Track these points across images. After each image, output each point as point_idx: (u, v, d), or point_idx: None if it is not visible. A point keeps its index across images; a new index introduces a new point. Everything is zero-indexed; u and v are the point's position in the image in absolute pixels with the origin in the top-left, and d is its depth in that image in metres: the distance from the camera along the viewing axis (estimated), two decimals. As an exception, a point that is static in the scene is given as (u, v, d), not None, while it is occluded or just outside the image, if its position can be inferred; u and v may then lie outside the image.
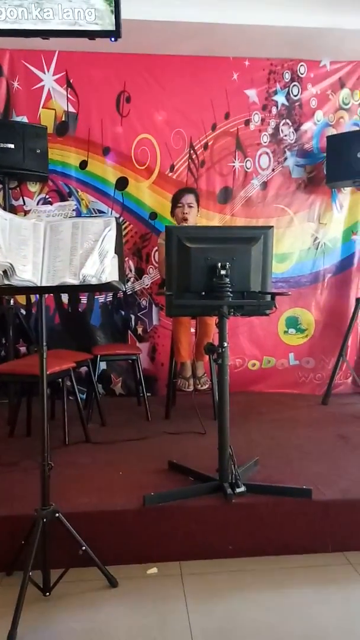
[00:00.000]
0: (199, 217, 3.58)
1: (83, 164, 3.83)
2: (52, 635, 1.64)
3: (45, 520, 1.75)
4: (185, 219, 3.37)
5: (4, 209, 3.03)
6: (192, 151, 3.92)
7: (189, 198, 3.40)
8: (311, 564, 2.01)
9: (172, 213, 3.50)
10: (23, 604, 1.61)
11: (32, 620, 1.66)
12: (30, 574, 1.66)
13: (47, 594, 1.77)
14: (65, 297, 3.87)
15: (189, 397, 3.08)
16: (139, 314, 3.97)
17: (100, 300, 3.92)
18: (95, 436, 2.91)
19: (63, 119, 3.78)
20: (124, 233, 3.84)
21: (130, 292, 3.95)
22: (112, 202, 3.88)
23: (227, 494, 2.06)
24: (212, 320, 3.04)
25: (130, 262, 3.93)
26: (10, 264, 1.58)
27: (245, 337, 3.98)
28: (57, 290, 1.68)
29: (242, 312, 2.24)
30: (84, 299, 3.90)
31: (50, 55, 3.70)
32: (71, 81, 3.75)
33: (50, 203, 3.73)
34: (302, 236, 4.05)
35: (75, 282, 1.63)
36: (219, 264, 2.13)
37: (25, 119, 3.69)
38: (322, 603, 1.79)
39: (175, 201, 3.44)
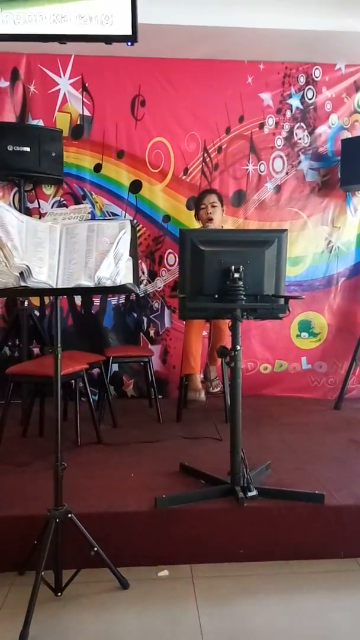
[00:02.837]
0: (223, 219, 3.57)
1: (97, 167, 3.85)
2: (63, 635, 1.65)
3: (57, 520, 1.76)
4: (211, 219, 3.38)
5: (20, 211, 3.05)
6: (206, 154, 3.93)
7: (212, 198, 3.42)
8: (323, 569, 2.00)
9: (197, 216, 3.51)
10: (35, 604, 1.62)
11: (44, 620, 1.67)
12: (43, 574, 1.67)
13: (59, 594, 1.78)
14: (78, 299, 3.89)
15: (202, 404, 3.07)
16: (151, 317, 3.98)
17: (112, 303, 3.94)
18: (107, 437, 2.92)
19: (78, 122, 3.81)
20: (137, 236, 3.86)
21: (143, 294, 3.96)
22: (125, 205, 3.90)
23: (238, 497, 2.06)
24: (225, 325, 3.03)
25: (143, 265, 3.94)
26: (27, 266, 1.60)
27: (258, 340, 3.97)
28: (73, 292, 1.70)
29: (255, 315, 2.24)
30: (96, 301, 3.92)
31: (67, 60, 3.74)
32: (87, 85, 3.78)
33: (65, 206, 3.76)
34: (316, 240, 4.03)
35: (91, 284, 1.64)
36: (233, 267, 2.13)
37: (41, 123, 3.72)
38: (334, 609, 1.78)
39: (198, 203, 3.45)
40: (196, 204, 3.50)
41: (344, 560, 2.05)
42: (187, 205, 3.91)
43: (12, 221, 1.67)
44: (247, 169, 3.96)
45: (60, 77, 3.76)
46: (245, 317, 2.19)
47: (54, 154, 3.41)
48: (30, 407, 3.05)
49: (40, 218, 3.35)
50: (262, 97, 3.93)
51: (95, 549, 1.81)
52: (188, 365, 3.21)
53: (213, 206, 3.40)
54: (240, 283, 2.13)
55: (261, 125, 3.95)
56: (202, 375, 3.36)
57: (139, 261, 3.87)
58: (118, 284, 1.67)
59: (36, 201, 3.81)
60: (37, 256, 1.65)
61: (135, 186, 3.89)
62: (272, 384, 4.00)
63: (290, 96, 3.95)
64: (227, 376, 3.17)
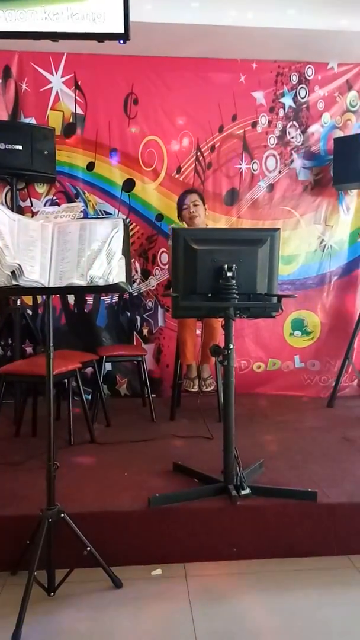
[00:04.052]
0: (207, 216, 3.58)
1: (90, 166, 3.84)
2: (56, 635, 1.65)
3: (50, 520, 1.75)
4: (193, 218, 3.38)
5: (12, 210, 3.04)
6: (198, 153, 3.92)
7: (193, 197, 3.43)
8: (316, 566, 2.00)
9: (180, 217, 3.51)
10: (28, 604, 1.61)
11: (37, 620, 1.66)
12: (35, 573, 1.67)
13: (52, 594, 1.78)
14: (71, 298, 3.88)
15: (194, 399, 3.08)
16: (144, 315, 3.98)
17: (106, 302, 3.93)
18: (101, 437, 2.91)
19: (71, 120, 3.79)
20: (130, 234, 3.85)
21: (136, 293, 3.95)
22: (118, 203, 3.89)
23: (232, 496, 2.06)
24: (218, 323, 3.04)
25: (136, 264, 3.94)
26: (19, 265, 1.59)
27: (251, 339, 3.98)
28: (65, 291, 1.69)
29: (248, 314, 2.24)
30: (90, 300, 3.91)
31: (59, 57, 3.72)
32: (79, 83, 3.77)
33: (58, 204, 3.75)
34: (309, 238, 4.04)
35: (83, 283, 1.64)
36: (226, 266, 2.13)
37: (33, 121, 3.70)
38: (327, 606, 1.79)
39: (180, 204, 3.47)
40: (178, 205, 3.51)
41: (337, 557, 2.06)
42: (180, 204, 3.91)
43: (4, 220, 1.66)
44: (240, 168, 3.97)
45: (52, 75, 3.74)
46: (238, 315, 2.19)
47: (46, 152, 3.39)
48: (23, 407, 3.04)
49: (32, 217, 3.34)
50: (255, 96, 3.93)
51: (88, 548, 1.80)
52: (184, 357, 3.27)
53: (195, 205, 3.41)
54: (233, 282, 2.13)
55: (254, 124, 3.95)
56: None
57: (132, 260, 3.87)
58: (111, 283, 1.67)
59: (28, 200, 3.80)
60: (29, 255, 1.65)
61: (129, 185, 3.88)
62: (266, 382, 4.01)
63: (283, 95, 3.95)
64: (220, 375, 3.18)
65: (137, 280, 3.94)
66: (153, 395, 3.50)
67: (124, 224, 1.73)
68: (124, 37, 2.55)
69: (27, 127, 3.50)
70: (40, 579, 1.72)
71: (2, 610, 1.73)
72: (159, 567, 1.98)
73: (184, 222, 3.52)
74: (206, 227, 3.53)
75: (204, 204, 3.49)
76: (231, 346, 2.15)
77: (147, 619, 1.72)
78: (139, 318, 3.97)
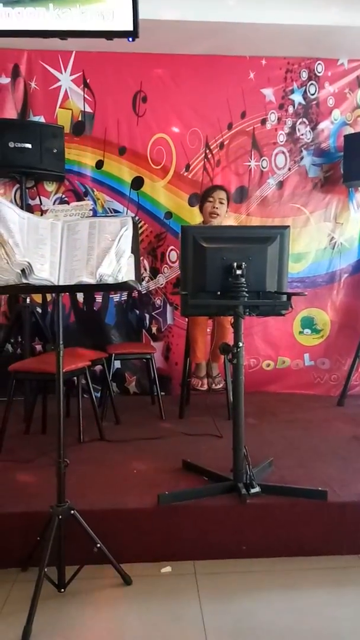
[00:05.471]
0: (226, 217, 3.55)
1: (99, 164, 3.85)
2: (66, 632, 1.65)
3: (60, 517, 1.76)
4: (216, 214, 3.34)
5: (21, 208, 3.05)
6: (207, 150, 3.91)
7: (221, 194, 3.39)
8: (325, 566, 1.99)
9: (201, 208, 3.46)
10: (38, 600, 1.62)
11: (47, 616, 1.67)
12: (46, 570, 1.68)
13: (62, 590, 1.78)
14: (80, 296, 3.89)
15: (203, 397, 3.08)
16: (153, 313, 3.98)
17: (115, 300, 3.94)
18: (110, 434, 2.92)
19: (80, 118, 3.80)
20: (139, 232, 3.85)
21: (145, 291, 3.96)
22: (127, 201, 3.89)
23: (241, 494, 2.06)
24: (229, 323, 3.03)
25: (145, 262, 3.94)
26: (29, 263, 1.59)
27: (260, 337, 3.97)
28: (74, 289, 1.69)
29: (257, 312, 2.23)
30: (99, 298, 3.92)
31: (68, 56, 3.73)
32: (88, 81, 3.77)
33: (67, 202, 3.76)
34: (318, 236, 4.02)
35: (92, 281, 1.64)
36: (235, 264, 2.12)
37: (42, 119, 3.72)
38: (336, 605, 1.78)
39: (206, 196, 3.41)
40: (203, 196, 3.45)
41: (347, 556, 2.05)
42: (189, 201, 3.90)
43: (14, 218, 1.66)
44: (250, 165, 3.95)
45: (61, 73, 3.75)
46: (247, 313, 2.18)
47: (55, 151, 3.40)
48: (33, 404, 3.06)
49: (41, 215, 3.35)
50: (264, 93, 3.91)
51: (98, 545, 1.81)
52: (194, 355, 3.26)
53: (221, 202, 3.37)
54: (243, 280, 2.12)
55: (263, 121, 3.93)
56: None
57: (141, 258, 3.87)
58: (120, 281, 1.67)
59: (38, 198, 3.81)
60: (38, 253, 1.65)
61: (137, 183, 3.88)
62: (275, 380, 3.99)
63: (292, 92, 3.93)
64: (229, 373, 3.17)
65: (146, 279, 3.94)
66: (162, 393, 3.50)
67: (133, 222, 1.73)
68: (133, 34, 2.55)
69: (36, 125, 3.51)
70: (50, 575, 1.73)
71: (13, 606, 1.75)
72: (168, 565, 1.98)
73: (202, 215, 3.48)
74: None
75: (228, 206, 3.45)
76: (240, 344, 2.15)
77: (156, 616, 1.72)
78: (147, 316, 3.97)
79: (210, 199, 3.38)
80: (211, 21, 3.37)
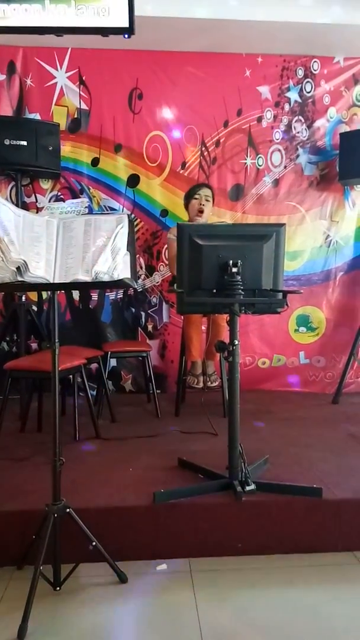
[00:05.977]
0: (211, 214, 3.57)
1: (95, 161, 3.84)
2: (61, 630, 1.65)
3: (56, 515, 1.76)
4: (202, 211, 3.37)
5: (17, 205, 3.04)
6: (203, 148, 3.91)
7: (207, 191, 3.42)
8: (320, 562, 2.00)
9: (187, 206, 3.48)
10: (34, 598, 1.62)
11: (43, 614, 1.67)
12: (41, 568, 1.68)
13: (58, 588, 1.78)
14: (76, 294, 3.88)
15: (199, 395, 3.08)
16: (149, 311, 3.98)
17: (110, 297, 3.94)
18: (105, 432, 2.92)
19: (75, 116, 3.79)
20: (135, 230, 3.84)
21: (141, 289, 3.95)
22: (123, 199, 3.88)
23: (236, 491, 2.06)
24: (224, 321, 3.03)
25: (141, 259, 3.93)
26: (24, 261, 1.59)
27: (256, 335, 3.97)
28: (70, 287, 1.69)
29: (253, 310, 2.23)
30: (94, 296, 3.91)
31: (63, 52, 3.71)
32: (84, 78, 3.76)
33: (63, 200, 3.75)
34: (314, 234, 4.02)
35: (88, 279, 1.63)
36: (231, 262, 2.12)
37: (38, 116, 3.70)
38: (331, 602, 1.79)
39: (192, 193, 3.42)
40: (189, 193, 3.47)
41: (342, 553, 2.06)
42: (185, 199, 3.90)
43: (9, 215, 1.65)
44: (245, 163, 3.95)
45: (57, 70, 3.73)
46: (243, 311, 2.19)
47: (51, 148, 3.39)
48: (29, 402, 3.05)
49: (37, 212, 3.33)
50: (260, 90, 3.91)
51: (94, 543, 1.81)
52: (189, 353, 3.27)
53: (207, 200, 3.40)
54: (238, 277, 2.12)
55: (259, 119, 3.93)
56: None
57: (137, 256, 3.86)
58: (115, 279, 1.66)
59: (33, 195, 3.80)
60: (34, 251, 1.64)
61: (133, 180, 3.88)
62: (270, 378, 4.00)
63: (288, 89, 3.93)
64: (225, 371, 3.17)
65: (142, 276, 3.94)
66: (158, 391, 3.50)
67: (129, 220, 1.73)
68: (129, 31, 2.54)
69: (31, 122, 3.50)
70: (46, 573, 1.73)
71: (9, 604, 1.74)
72: (164, 562, 1.99)
73: (187, 212, 3.48)
74: (210, 222, 3.52)
75: (213, 203, 3.48)
76: (236, 342, 2.15)
77: (152, 613, 1.72)
78: (143, 314, 3.97)
79: (197, 196, 3.39)
80: (207, 18, 3.37)
